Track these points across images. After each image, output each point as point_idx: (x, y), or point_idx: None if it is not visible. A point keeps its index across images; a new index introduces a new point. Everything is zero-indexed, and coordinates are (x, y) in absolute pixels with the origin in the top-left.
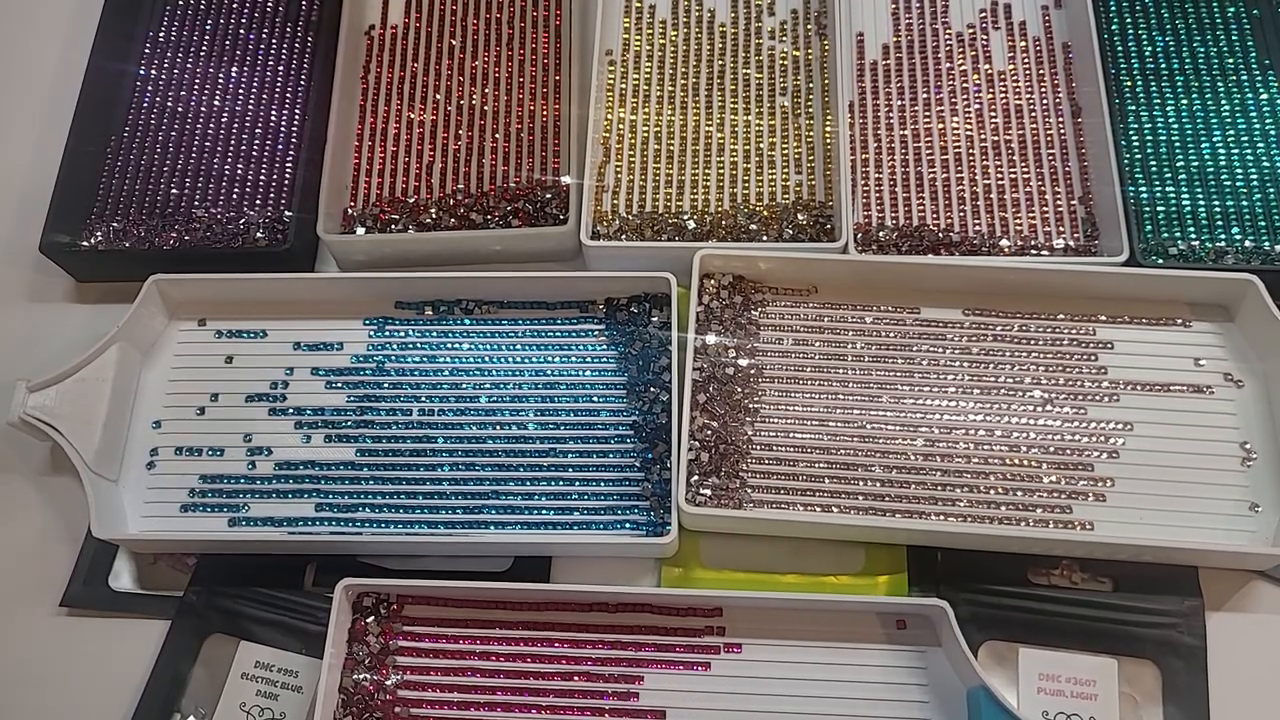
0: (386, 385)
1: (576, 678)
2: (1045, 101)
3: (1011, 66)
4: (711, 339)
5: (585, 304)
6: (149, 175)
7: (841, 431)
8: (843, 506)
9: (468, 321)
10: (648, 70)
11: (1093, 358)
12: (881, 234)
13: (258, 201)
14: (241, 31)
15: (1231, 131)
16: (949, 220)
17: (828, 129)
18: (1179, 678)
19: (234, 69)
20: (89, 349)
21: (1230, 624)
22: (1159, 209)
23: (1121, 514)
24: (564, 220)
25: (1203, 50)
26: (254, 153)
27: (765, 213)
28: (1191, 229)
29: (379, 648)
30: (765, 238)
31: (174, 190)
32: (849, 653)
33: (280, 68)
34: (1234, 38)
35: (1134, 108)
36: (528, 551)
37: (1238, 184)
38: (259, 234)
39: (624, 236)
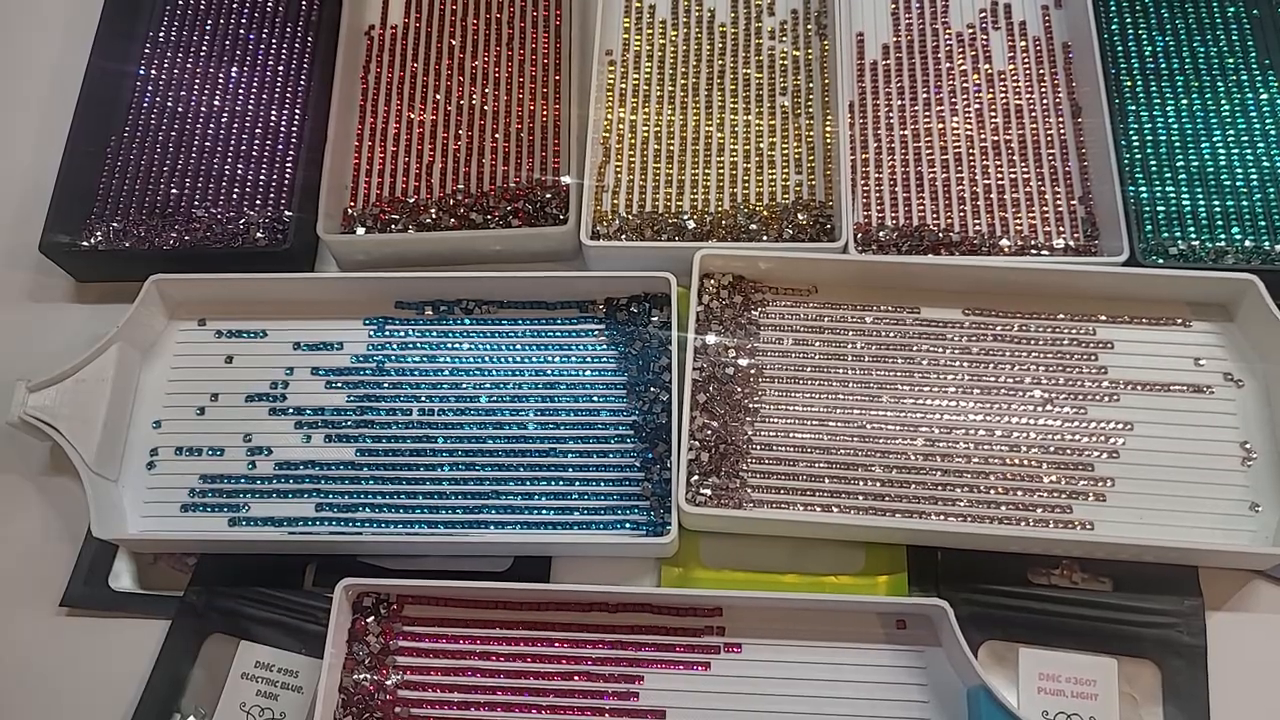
0: (386, 385)
1: (576, 677)
2: (1045, 101)
3: (1011, 66)
4: (711, 339)
5: (585, 304)
6: (149, 175)
7: (841, 431)
8: (843, 506)
9: (468, 321)
10: (648, 70)
11: (1093, 357)
12: (881, 234)
13: (258, 201)
14: (241, 31)
15: (1231, 131)
16: (949, 220)
17: (828, 129)
18: (1179, 677)
19: (234, 69)
20: (89, 349)
21: (1230, 623)
22: (1159, 209)
23: (1122, 514)
24: (564, 220)
25: (1203, 50)
26: (254, 153)
27: (765, 213)
28: (1191, 229)
29: (379, 647)
30: (765, 238)
31: (174, 190)
32: (849, 653)
33: (280, 68)
34: (1234, 37)
35: (1134, 107)
36: (528, 551)
37: (1238, 184)
38: (259, 234)
39: (624, 236)
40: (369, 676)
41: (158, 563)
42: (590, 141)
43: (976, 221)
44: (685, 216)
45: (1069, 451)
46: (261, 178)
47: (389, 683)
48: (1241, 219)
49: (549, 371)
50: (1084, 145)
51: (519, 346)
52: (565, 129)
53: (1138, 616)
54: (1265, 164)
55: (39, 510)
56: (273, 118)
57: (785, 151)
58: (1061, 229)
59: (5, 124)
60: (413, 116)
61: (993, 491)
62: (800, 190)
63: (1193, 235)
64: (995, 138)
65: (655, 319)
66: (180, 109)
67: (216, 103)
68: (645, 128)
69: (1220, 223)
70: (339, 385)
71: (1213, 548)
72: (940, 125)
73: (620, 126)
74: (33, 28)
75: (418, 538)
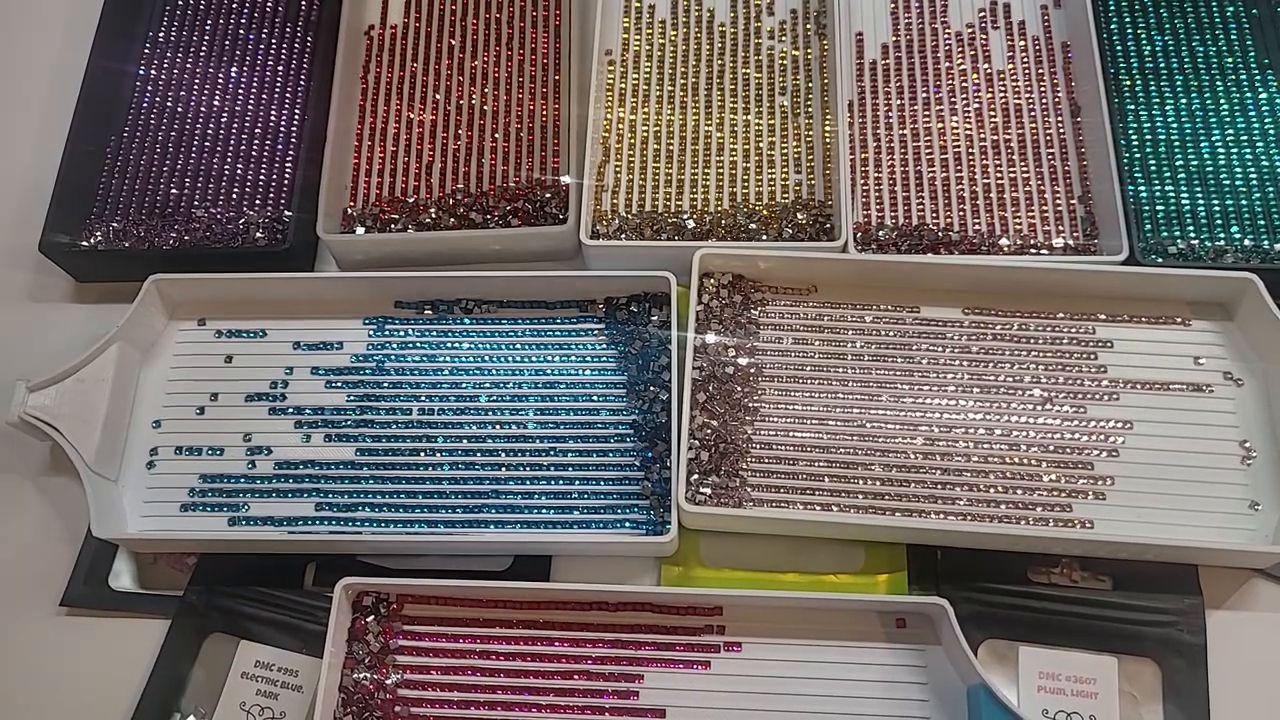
0: (386, 385)
1: (576, 676)
2: (1044, 101)
3: (1011, 66)
4: (711, 338)
5: (585, 303)
6: (149, 175)
7: (841, 430)
8: (842, 505)
9: (467, 321)
10: (647, 70)
11: (1092, 356)
12: (881, 233)
13: (257, 201)
14: (241, 31)
15: (1230, 131)
16: (948, 219)
17: (827, 128)
18: (1179, 676)
19: (234, 69)
20: (89, 349)
21: (1230, 622)
22: (1158, 208)
23: (1121, 512)
24: (564, 220)
25: (1202, 50)
26: (254, 153)
27: (765, 212)
28: (1191, 228)
29: (379, 647)
30: (765, 237)
31: (174, 190)
32: (849, 651)
33: (280, 68)
34: (1233, 37)
35: (1133, 107)
36: (528, 551)
37: (1237, 183)
38: (259, 234)
39: (624, 236)
40: (369, 676)
41: (158, 562)
42: (590, 141)
43: (976, 221)
44: (685, 216)
45: (1069, 450)
46: (261, 178)
47: (389, 682)
48: (1241, 218)
49: (549, 371)
50: (1083, 145)
51: (519, 346)
52: (565, 128)
53: (1138, 615)
54: (1264, 163)
55: (39, 510)
56: (272, 118)
57: (785, 151)
58: (1061, 228)
59: (5, 124)
60: (412, 116)
61: (993, 490)
62: (800, 190)
63: (1192, 234)
64: (994, 137)
65: (655, 318)
66: (180, 109)
67: (216, 103)
68: (645, 127)
69: (1219, 222)
70: (339, 385)
71: (1212, 546)
72: (939, 125)
73: (620, 126)
74: (33, 28)
75: (418, 537)
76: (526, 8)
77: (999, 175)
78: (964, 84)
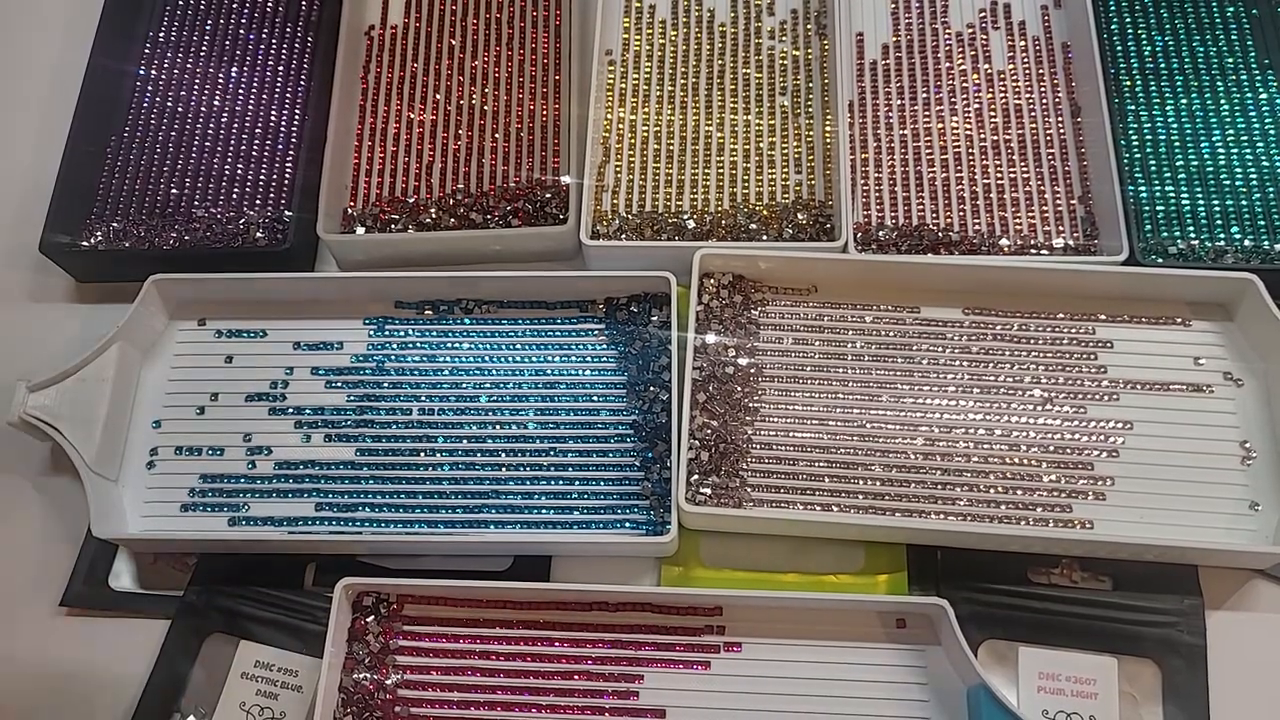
0: (386, 385)
1: (576, 677)
2: (1045, 101)
3: (1011, 66)
4: (711, 338)
5: (585, 303)
6: (149, 175)
7: (841, 430)
8: (842, 505)
9: (467, 321)
10: (647, 70)
11: (1092, 357)
12: (881, 233)
13: (257, 201)
14: (241, 31)
15: (1231, 131)
16: (948, 220)
17: (827, 129)
18: (1179, 676)
19: (234, 69)
20: (89, 349)
21: (1230, 622)
22: (1158, 208)
23: (1121, 513)
24: (564, 220)
25: (1202, 50)
26: (254, 153)
27: (765, 212)
28: (1191, 228)
29: (379, 647)
30: (765, 237)
31: (174, 190)
32: (849, 652)
33: (280, 68)
34: (1233, 37)
35: (1133, 107)
36: (528, 551)
37: (1237, 183)
38: (259, 234)
39: (624, 236)
40: (369, 676)
41: (158, 562)
42: (590, 141)
43: (976, 221)
44: (685, 216)
45: (1069, 451)
46: (261, 178)
47: (389, 682)
48: (1241, 218)
49: (549, 371)
50: (1083, 145)
51: (519, 346)
52: (565, 129)
53: (1138, 615)
54: (1264, 163)
55: (39, 510)
56: (273, 118)
57: (785, 151)
58: (1061, 228)
59: (5, 124)
60: (412, 116)
61: (993, 490)
62: (800, 190)
63: (1192, 235)
64: (995, 137)
65: (655, 318)
66: (180, 109)
67: (216, 103)
68: (645, 127)
69: (1220, 222)
70: (339, 385)
71: (1212, 547)
72: (940, 125)
73: (620, 126)
74: (33, 28)
75: (418, 537)
76: (526, 8)
77: (999, 175)
78: (964, 84)
